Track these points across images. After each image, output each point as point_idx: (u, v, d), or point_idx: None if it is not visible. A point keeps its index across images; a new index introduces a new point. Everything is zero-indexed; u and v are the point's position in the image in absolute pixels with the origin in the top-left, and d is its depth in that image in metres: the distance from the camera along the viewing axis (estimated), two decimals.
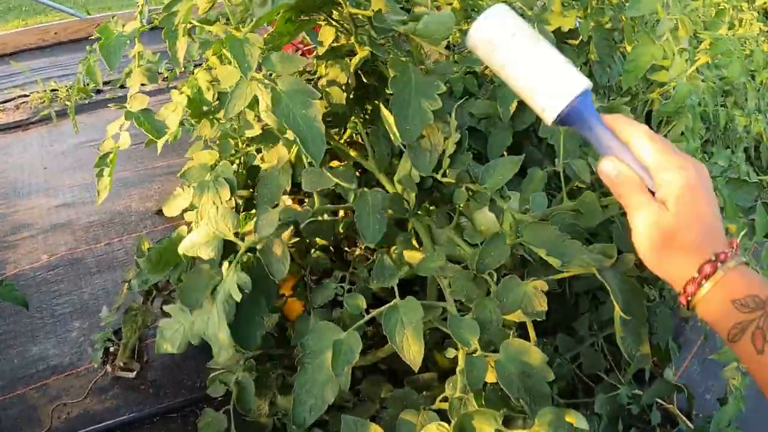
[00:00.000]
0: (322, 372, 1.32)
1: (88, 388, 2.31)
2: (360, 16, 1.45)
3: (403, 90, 1.39)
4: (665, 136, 1.92)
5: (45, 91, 4.44)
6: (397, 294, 1.36)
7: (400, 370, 1.78)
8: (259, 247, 1.43)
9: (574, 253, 1.26)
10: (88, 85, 3.70)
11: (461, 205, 1.50)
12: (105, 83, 4.40)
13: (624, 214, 1.75)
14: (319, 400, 1.30)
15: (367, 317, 1.35)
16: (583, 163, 1.60)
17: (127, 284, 2.12)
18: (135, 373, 2.32)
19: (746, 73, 2.82)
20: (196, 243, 1.48)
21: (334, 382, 1.30)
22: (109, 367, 2.34)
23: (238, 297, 1.36)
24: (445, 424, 1.27)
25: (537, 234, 1.34)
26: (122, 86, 4.33)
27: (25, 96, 4.44)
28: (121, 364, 2.34)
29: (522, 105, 1.82)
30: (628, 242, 1.77)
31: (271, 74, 1.35)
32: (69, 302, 2.67)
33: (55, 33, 5.46)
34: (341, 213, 1.76)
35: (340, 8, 1.44)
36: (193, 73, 1.68)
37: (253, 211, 1.75)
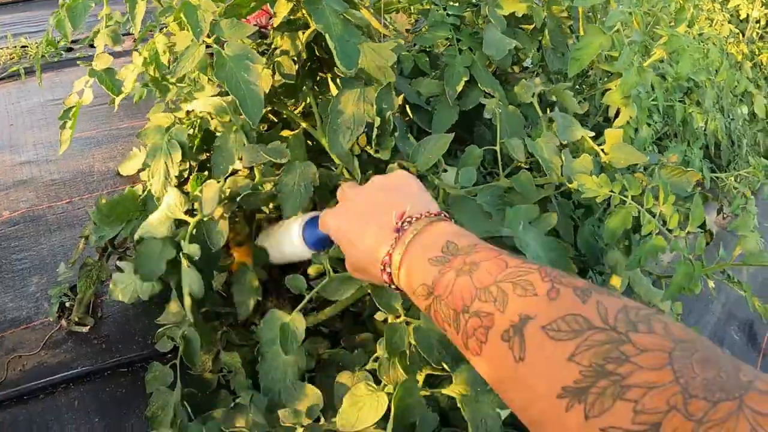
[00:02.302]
0: (279, 357, 1.41)
1: (42, 341, 2.34)
2: None
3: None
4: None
5: (15, 47, 4.41)
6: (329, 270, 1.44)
7: (341, 332, 1.86)
8: (204, 219, 1.50)
9: (490, 226, 1.34)
10: (58, 41, 3.70)
11: None
12: (74, 41, 4.37)
13: (561, 194, 1.84)
14: (285, 384, 1.40)
15: (307, 297, 1.43)
16: (519, 142, 1.67)
17: (83, 240, 2.18)
18: (88, 327, 2.37)
19: (704, 72, 2.92)
20: (151, 224, 1.57)
21: (293, 363, 1.40)
22: (64, 322, 2.38)
23: (187, 265, 1.44)
24: (373, 384, 1.36)
25: (464, 208, 1.43)
26: (91, 45, 4.29)
27: None
28: (76, 319, 2.38)
29: (470, 84, 1.89)
30: (565, 222, 1.87)
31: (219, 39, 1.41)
32: (28, 258, 2.70)
33: None
34: None
35: None
36: None
37: (206, 173, 1.82)
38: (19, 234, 2.83)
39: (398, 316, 1.39)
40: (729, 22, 3.80)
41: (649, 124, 2.64)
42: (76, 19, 1.66)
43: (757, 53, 3.90)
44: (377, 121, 1.49)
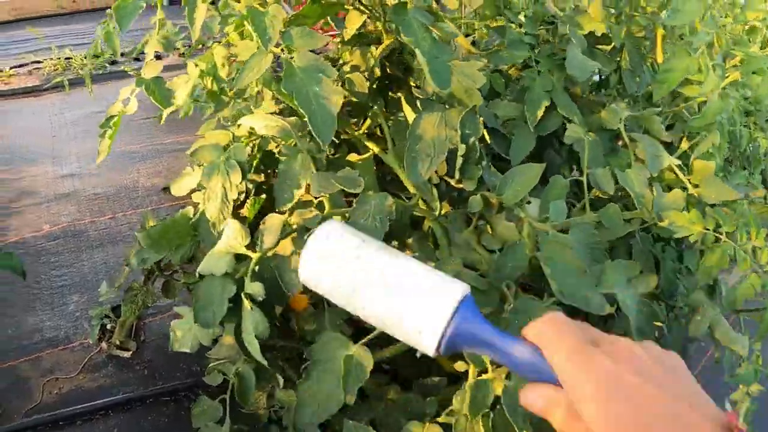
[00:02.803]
0: (326, 382, 1.28)
1: (81, 364, 2.27)
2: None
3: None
4: (690, 151, 1.87)
5: (59, 58, 4.38)
6: None
7: (405, 371, 1.73)
8: (270, 254, 1.38)
9: (583, 289, 1.22)
10: (104, 53, 3.65)
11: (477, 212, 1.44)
12: (120, 54, 4.33)
13: (645, 230, 1.72)
14: (322, 409, 1.26)
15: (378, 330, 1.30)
16: (606, 172, 1.55)
17: (127, 266, 2.08)
18: (131, 353, 2.27)
19: None
20: (211, 260, 1.44)
21: (338, 394, 1.26)
22: (104, 345, 2.30)
23: (250, 307, 1.32)
24: None
25: (555, 252, 1.29)
26: (137, 59, 4.28)
27: (39, 62, 4.39)
28: (118, 343, 2.30)
29: (548, 109, 1.77)
30: (646, 258, 1.74)
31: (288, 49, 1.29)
32: (68, 275, 2.63)
33: (74, 1, 5.40)
34: None
35: None
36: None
37: (263, 196, 1.70)
38: (59, 249, 2.76)
39: (484, 371, 1.25)
40: None
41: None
42: (123, 20, 1.54)
43: None
44: (461, 148, 1.35)
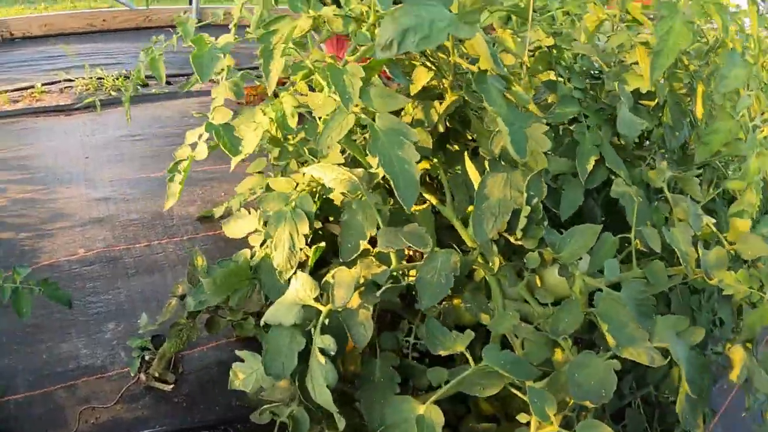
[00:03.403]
0: None
1: (118, 394, 2.26)
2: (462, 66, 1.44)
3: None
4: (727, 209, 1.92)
5: (91, 78, 4.42)
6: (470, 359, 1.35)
7: (451, 414, 1.77)
8: (340, 310, 1.42)
9: (637, 341, 1.28)
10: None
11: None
12: (148, 77, 4.36)
13: (684, 284, 1.77)
14: None
15: (445, 388, 1.34)
16: (654, 232, 1.62)
17: (175, 299, 2.11)
18: (169, 387, 2.29)
19: None
20: (278, 311, 1.49)
21: None
22: (143, 376, 2.31)
23: (323, 361, 1.35)
24: None
25: (610, 309, 1.35)
26: (168, 82, 4.32)
27: (70, 81, 4.42)
28: (156, 375, 2.31)
29: (596, 163, 1.82)
30: (684, 309, 1.80)
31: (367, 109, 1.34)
32: (104, 302, 2.64)
33: (104, 20, 5.46)
34: None
35: (444, 54, 1.43)
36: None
37: (323, 244, 1.73)
38: (94, 275, 2.77)
39: (547, 422, 1.29)
40: None
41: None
42: (204, 70, 1.58)
43: None
44: (525, 210, 1.40)
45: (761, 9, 2.37)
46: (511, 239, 1.48)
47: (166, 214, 3.11)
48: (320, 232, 1.83)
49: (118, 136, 3.85)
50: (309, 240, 1.77)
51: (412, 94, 1.57)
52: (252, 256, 1.77)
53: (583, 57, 2.06)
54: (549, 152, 1.90)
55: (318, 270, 1.73)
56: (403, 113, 1.68)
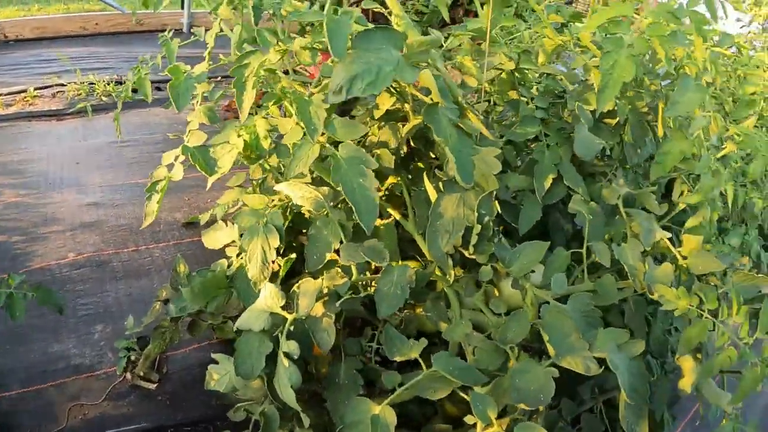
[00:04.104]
0: None
1: (106, 392, 2.38)
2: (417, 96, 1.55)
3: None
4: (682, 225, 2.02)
5: (82, 83, 4.50)
6: (423, 364, 1.46)
7: (413, 415, 1.88)
8: (304, 317, 1.53)
9: (576, 350, 1.39)
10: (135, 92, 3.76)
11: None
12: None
13: (639, 295, 1.86)
14: None
15: (399, 391, 1.45)
16: (605, 247, 1.72)
17: (159, 303, 2.21)
18: (154, 386, 2.40)
19: None
20: (248, 318, 1.61)
21: None
22: (128, 375, 2.42)
23: (287, 364, 1.47)
24: None
25: (555, 320, 1.46)
26: (158, 88, 4.40)
27: (62, 85, 4.51)
28: (141, 374, 2.42)
29: (555, 179, 1.92)
30: (638, 319, 1.89)
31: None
32: (93, 304, 2.75)
33: (96, 24, 5.54)
34: None
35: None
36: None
37: (293, 255, 1.85)
38: (83, 278, 2.88)
39: (489, 425, 1.41)
40: None
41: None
42: (180, 99, 1.67)
43: None
44: (477, 227, 1.52)
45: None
46: (466, 253, 1.59)
47: (155, 221, 3.19)
48: (293, 244, 1.94)
49: (109, 141, 3.95)
50: (282, 251, 1.88)
51: (376, 117, 1.68)
52: (229, 266, 1.88)
53: (548, 76, 2.17)
54: (510, 169, 2.02)
55: (290, 279, 1.84)
56: (370, 133, 1.79)
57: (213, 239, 1.91)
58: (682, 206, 2.08)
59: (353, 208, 1.38)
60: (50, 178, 3.57)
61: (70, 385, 2.41)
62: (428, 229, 1.54)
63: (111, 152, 3.85)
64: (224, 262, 1.90)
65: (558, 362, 1.42)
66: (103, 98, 4.41)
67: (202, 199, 3.40)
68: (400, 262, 1.73)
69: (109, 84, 4.52)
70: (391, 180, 1.85)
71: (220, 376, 1.70)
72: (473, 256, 1.59)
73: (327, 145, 1.45)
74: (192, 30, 1.92)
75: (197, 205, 3.35)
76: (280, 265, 1.84)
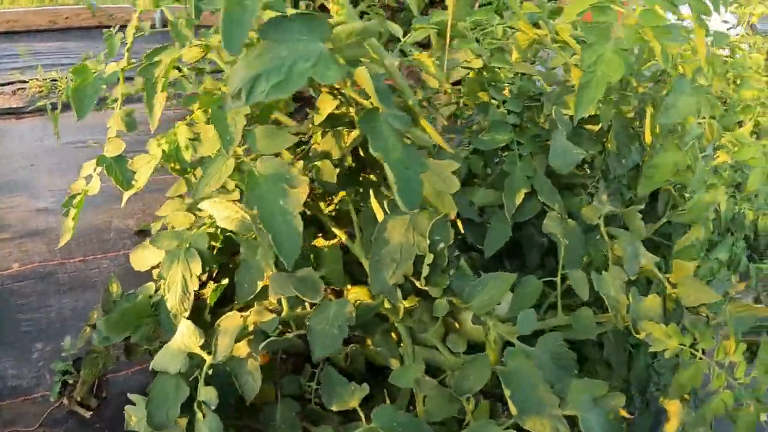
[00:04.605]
0: None
1: (41, 417, 2.19)
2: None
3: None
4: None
5: (45, 80, 4.29)
6: (362, 416, 1.24)
7: None
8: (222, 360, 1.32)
9: (544, 408, 1.16)
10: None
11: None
12: None
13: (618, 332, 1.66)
14: None
15: None
16: (583, 276, 1.51)
17: (89, 328, 2.01)
18: (90, 413, 2.20)
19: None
20: (164, 358, 1.42)
21: None
22: (66, 400, 2.23)
23: (203, 416, 1.29)
24: None
25: (520, 367, 1.23)
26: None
27: (24, 82, 4.28)
28: (78, 399, 2.22)
29: (529, 194, 1.70)
30: (619, 352, 1.69)
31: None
32: (34, 320, 2.54)
33: (66, 18, 5.32)
34: None
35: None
36: None
37: (225, 281, 1.62)
38: (26, 291, 2.67)
39: None
40: None
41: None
42: (82, 105, 1.48)
43: None
44: (429, 257, 1.29)
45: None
46: (418, 284, 1.36)
47: (104, 228, 3.00)
48: (230, 265, 1.71)
49: (66, 142, 3.71)
50: (214, 275, 1.67)
51: (316, 123, 1.45)
52: (157, 290, 1.66)
53: (523, 77, 1.94)
54: (478, 181, 1.80)
55: (223, 307, 1.62)
56: (312, 142, 1.56)
57: (140, 259, 1.68)
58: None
59: (271, 238, 1.14)
60: (1, 181, 3.34)
61: (5, 409, 2.21)
62: (371, 257, 1.31)
63: (67, 154, 3.62)
64: (151, 285, 1.67)
65: (521, 423, 1.18)
66: (67, 96, 4.19)
67: (157, 205, 3.14)
68: (350, 289, 1.52)
69: (72, 80, 4.29)
70: (342, 194, 1.63)
71: (138, 418, 1.49)
72: (425, 288, 1.36)
73: (245, 159, 1.21)
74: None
75: (151, 212, 3.11)
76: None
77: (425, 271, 1.31)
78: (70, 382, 2.26)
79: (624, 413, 1.69)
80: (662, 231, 1.98)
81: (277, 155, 1.29)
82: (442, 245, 1.31)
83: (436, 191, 1.30)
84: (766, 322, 1.67)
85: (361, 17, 2.82)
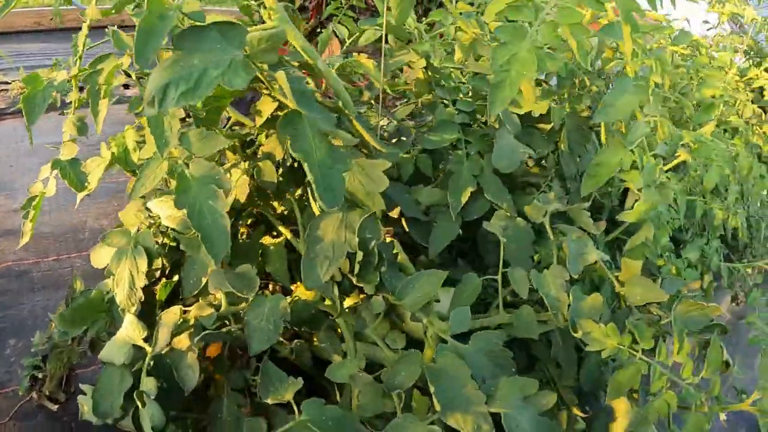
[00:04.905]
0: None
1: (11, 411, 2.25)
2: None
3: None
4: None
5: None
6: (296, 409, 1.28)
7: None
8: (163, 352, 1.36)
9: (470, 405, 1.18)
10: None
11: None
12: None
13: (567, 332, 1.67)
14: None
15: None
16: (523, 275, 1.51)
17: (53, 324, 2.06)
18: (57, 406, 2.25)
19: (729, 166, 2.75)
20: (110, 350, 1.47)
21: None
22: (35, 394, 2.28)
23: (145, 404, 1.34)
24: None
25: (449, 365, 1.26)
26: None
27: (6, 83, 4.32)
28: (47, 393, 2.27)
29: (474, 194, 1.72)
30: (568, 352, 1.70)
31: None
32: (7, 317, 2.60)
33: (51, 19, 5.35)
34: None
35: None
36: None
37: (176, 278, 1.67)
38: (1, 289, 2.71)
39: None
40: (752, 102, 3.66)
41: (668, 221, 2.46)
42: (33, 112, 1.52)
43: None
44: (359, 254, 1.33)
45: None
46: (354, 281, 1.40)
47: (79, 227, 3.05)
48: (182, 263, 1.76)
49: (46, 143, 3.74)
50: (167, 272, 1.71)
51: (258, 125, 1.49)
52: None
53: (476, 76, 1.96)
54: (430, 181, 1.83)
55: (174, 303, 1.66)
56: (257, 143, 1.60)
57: (99, 257, 1.72)
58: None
59: (200, 236, 1.19)
60: None
61: None
62: (305, 255, 1.35)
63: (47, 155, 3.63)
64: (106, 283, 1.72)
65: (444, 419, 1.21)
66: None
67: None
68: (297, 286, 1.56)
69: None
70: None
71: (89, 407, 1.53)
72: (360, 285, 1.40)
73: (180, 161, 1.25)
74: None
75: None
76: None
77: (356, 267, 1.35)
78: (39, 376, 2.31)
79: (578, 412, 1.73)
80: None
81: (213, 157, 1.33)
82: (373, 243, 1.35)
83: (366, 191, 1.34)
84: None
85: (329, 19, 2.87)
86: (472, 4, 2.04)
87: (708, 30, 3.55)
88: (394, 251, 1.53)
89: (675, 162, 2.11)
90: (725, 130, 3.14)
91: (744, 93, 3.48)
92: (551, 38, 1.33)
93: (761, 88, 3.65)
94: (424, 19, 2.09)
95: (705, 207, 2.67)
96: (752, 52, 4.10)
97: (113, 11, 1.58)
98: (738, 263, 2.86)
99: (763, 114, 3.76)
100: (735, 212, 2.73)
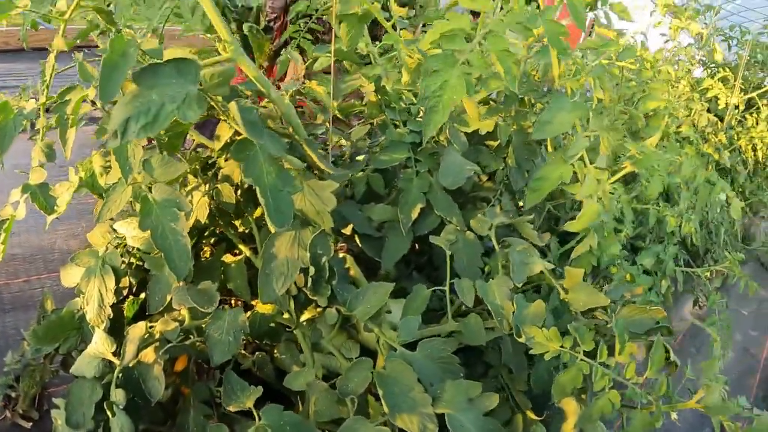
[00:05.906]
0: None
1: None
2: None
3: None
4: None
5: None
6: (256, 416, 1.37)
7: None
8: (131, 365, 1.45)
9: (416, 406, 1.27)
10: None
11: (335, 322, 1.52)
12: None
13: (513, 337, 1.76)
14: None
15: None
16: (469, 285, 1.60)
17: (25, 343, 2.12)
18: (31, 424, 2.30)
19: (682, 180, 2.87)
20: (81, 364, 1.57)
21: None
22: (8, 413, 2.32)
23: (114, 415, 1.42)
24: None
25: (397, 371, 1.35)
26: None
27: None
28: (20, 412, 2.32)
29: (426, 208, 1.82)
30: (518, 357, 1.78)
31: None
32: None
33: (19, 39, 5.38)
34: None
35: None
36: None
37: (143, 295, 1.75)
38: None
39: None
40: (708, 111, 3.79)
41: (619, 230, 2.56)
42: (3, 143, 1.55)
43: (736, 139, 3.89)
44: (311, 269, 1.43)
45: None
46: (308, 294, 1.50)
47: (48, 248, 3.11)
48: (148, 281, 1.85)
49: (13, 165, 3.78)
50: (134, 290, 1.79)
51: (216, 149, 1.59)
52: None
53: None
54: (378, 197, 1.93)
55: (141, 320, 1.75)
56: (217, 166, 1.70)
57: (69, 276, 1.80)
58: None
59: (164, 255, 1.29)
60: None
61: None
62: (261, 271, 1.45)
63: (13, 177, 3.69)
64: (77, 301, 1.80)
65: (392, 420, 1.31)
66: None
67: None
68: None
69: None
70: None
71: (62, 420, 1.61)
72: (314, 298, 1.50)
73: (143, 186, 1.35)
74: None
75: None
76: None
77: (309, 282, 1.45)
78: (13, 395, 2.36)
79: (531, 415, 1.82)
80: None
81: (175, 180, 1.43)
82: (324, 258, 1.45)
83: (315, 209, 1.45)
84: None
85: (287, 43, 2.97)
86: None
87: (666, 42, 3.65)
88: (346, 266, 1.63)
89: (621, 173, 2.20)
90: (679, 141, 3.27)
91: (698, 103, 3.61)
92: (480, 65, 1.44)
93: (716, 98, 3.79)
94: (377, 42, 2.19)
95: (658, 215, 2.79)
96: (710, 63, 4.26)
97: (77, 40, 1.66)
98: (698, 268, 2.98)
99: (719, 122, 3.91)
100: (688, 219, 2.84)
